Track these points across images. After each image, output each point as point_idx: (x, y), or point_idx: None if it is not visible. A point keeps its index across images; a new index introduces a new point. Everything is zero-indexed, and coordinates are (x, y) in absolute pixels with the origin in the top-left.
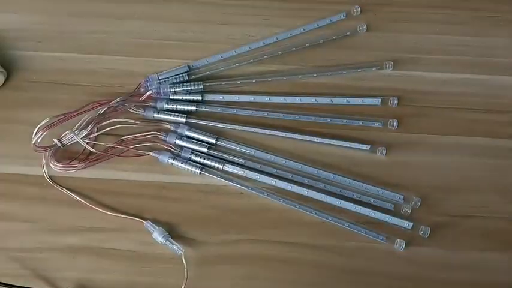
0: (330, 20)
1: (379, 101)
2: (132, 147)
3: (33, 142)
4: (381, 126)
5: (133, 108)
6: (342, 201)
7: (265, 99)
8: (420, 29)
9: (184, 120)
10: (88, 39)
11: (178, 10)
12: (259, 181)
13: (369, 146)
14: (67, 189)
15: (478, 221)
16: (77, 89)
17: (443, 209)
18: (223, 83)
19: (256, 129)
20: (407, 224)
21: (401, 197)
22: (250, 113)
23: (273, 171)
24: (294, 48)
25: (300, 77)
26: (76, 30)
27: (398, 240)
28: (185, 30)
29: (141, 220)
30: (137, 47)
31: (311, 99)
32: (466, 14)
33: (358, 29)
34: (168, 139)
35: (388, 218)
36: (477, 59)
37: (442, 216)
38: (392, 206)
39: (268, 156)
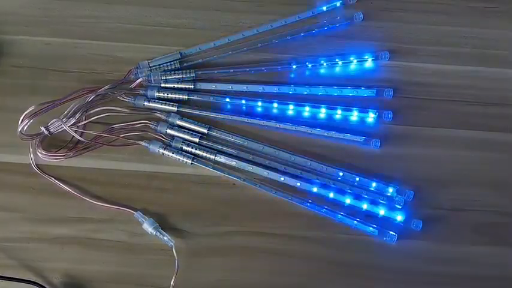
0: (326, 8)
1: (374, 92)
2: (121, 136)
3: (19, 130)
4: (375, 118)
5: (123, 96)
6: (335, 194)
7: (258, 88)
8: (417, 19)
9: (175, 109)
10: (77, 23)
11: None
12: (251, 172)
13: (363, 138)
14: (55, 178)
15: (470, 215)
16: (65, 75)
17: (436, 202)
18: (216, 72)
19: (249, 119)
20: (399, 217)
21: (394, 189)
22: (243, 102)
23: (266, 162)
24: (288, 37)
25: (294, 66)
26: (64, 15)
27: (390, 233)
28: (177, 17)
29: (131, 211)
30: (127, 33)
31: (305, 89)
32: (463, 5)
33: (354, 18)
34: (158, 128)
35: (380, 211)
36: (474, 50)
37: (434, 210)
38: (385, 198)
39: (260, 147)
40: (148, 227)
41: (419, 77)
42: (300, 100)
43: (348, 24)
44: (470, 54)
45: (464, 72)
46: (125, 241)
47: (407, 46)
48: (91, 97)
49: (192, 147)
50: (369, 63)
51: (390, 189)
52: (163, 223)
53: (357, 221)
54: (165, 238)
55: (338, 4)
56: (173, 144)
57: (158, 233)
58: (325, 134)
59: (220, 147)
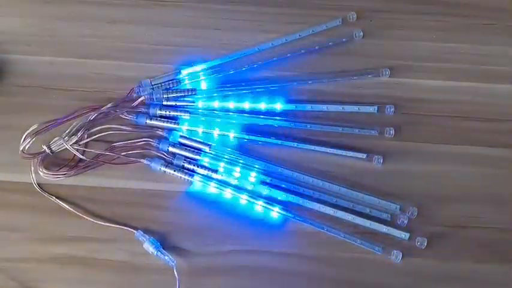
0: (326, 26)
1: (376, 109)
2: (123, 154)
3: (21, 149)
4: (377, 135)
5: (125, 114)
6: (338, 211)
7: (260, 105)
8: (416, 36)
9: (177, 126)
10: (79, 43)
11: (172, 15)
12: (253, 190)
13: (365, 155)
14: (56, 197)
15: (474, 232)
16: (67, 93)
17: (440, 219)
18: (218, 89)
19: (251, 136)
20: (404, 235)
21: (398, 207)
22: (245, 119)
23: (268, 179)
24: (289, 55)
25: (295, 83)
26: (67, 34)
27: (395, 251)
28: (179, 35)
29: (131, 230)
30: (129, 52)
31: (306, 106)
32: (462, 22)
33: (354, 36)
34: (160, 146)
35: (384, 229)
36: (474, 67)
37: (439, 227)
38: (389, 216)
39: (262, 165)
40: (149, 246)
41: (420, 94)
42: (301, 117)
43: (348, 42)
44: (470, 70)
45: (464, 88)
46: (125, 261)
47: (408, 63)
48: (93, 115)
49: (193, 165)
50: (369, 80)
51: (394, 206)
52: (164, 242)
53: (360, 239)
54: (166, 258)
55: (338, 22)
56: (175, 161)
57: (159, 253)
58: (328, 151)
59: (222, 164)
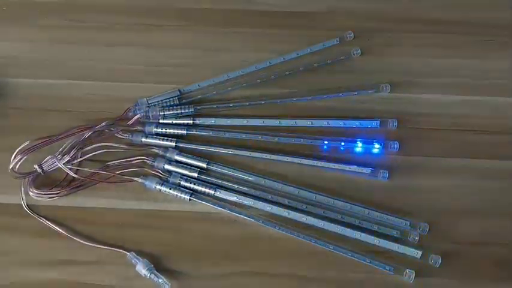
0: (324, 45)
1: (378, 123)
2: (117, 172)
3: (11, 167)
4: (380, 149)
5: (120, 133)
6: (344, 228)
7: (258, 122)
8: (416, 53)
9: (173, 144)
10: (77, 66)
11: (169, 37)
12: (253, 207)
13: (370, 169)
14: (45, 218)
15: (491, 249)
16: (64, 114)
17: (453, 235)
18: (215, 106)
19: (249, 153)
20: (416, 253)
21: (408, 223)
22: (243, 136)
23: (268, 196)
24: (287, 72)
25: (294, 99)
26: (64, 57)
27: (408, 270)
28: (176, 56)
29: (124, 251)
30: (127, 73)
31: (307, 122)
32: (460, 38)
33: (352, 54)
34: (156, 164)
35: (395, 247)
36: (475, 81)
37: (452, 244)
38: (399, 232)
39: (262, 181)
40: (142, 268)
41: (423, 108)
42: (302, 133)
43: (346, 60)
44: (471, 84)
45: (467, 102)
46: (116, 285)
47: (408, 79)
48: (87, 134)
49: (190, 183)
50: (370, 97)
51: (404, 223)
52: (158, 265)
53: (370, 258)
54: (160, 280)
55: (336, 41)
56: (171, 179)
57: (153, 275)
58: (331, 166)
59: (220, 181)
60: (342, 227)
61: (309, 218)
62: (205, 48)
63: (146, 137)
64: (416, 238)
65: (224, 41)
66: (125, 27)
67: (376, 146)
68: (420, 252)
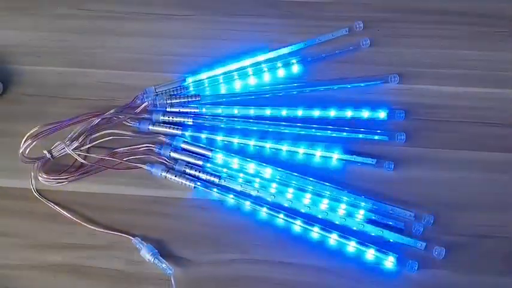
0: (332, 35)
1: (386, 115)
2: (124, 159)
3: (21, 152)
4: (387, 140)
5: (128, 120)
6: (348, 219)
7: (265, 111)
8: (424, 44)
9: (180, 132)
10: (88, 54)
11: (178, 27)
12: (257, 196)
13: (375, 160)
14: (54, 203)
15: (497, 242)
16: (74, 102)
17: (458, 228)
18: (222, 95)
19: (255, 141)
20: (420, 244)
21: (412, 214)
22: (249, 125)
23: (272, 185)
24: (294, 62)
25: (301, 90)
26: (76, 46)
27: (410, 261)
28: (185, 46)
29: (129, 237)
30: (136, 62)
31: (314, 112)
32: (469, 30)
33: (361, 44)
34: (162, 151)
35: (398, 238)
36: (484, 72)
37: (457, 236)
38: (403, 224)
39: (268, 170)
40: (146, 253)
41: (431, 100)
42: (308, 123)
43: (355, 50)
44: (481, 76)
45: (476, 94)
46: (121, 269)
47: (417, 70)
48: (96, 121)
49: (195, 170)
50: (378, 87)
51: (408, 214)
52: (162, 250)
53: (373, 248)
54: (164, 266)
55: (345, 31)
56: (176, 167)
57: (156, 260)
58: (336, 156)
59: (225, 170)
60: (346, 217)
61: (313, 207)
62: (213, 38)
63: (153, 125)
64: (421, 229)
65: (231, 30)
66: (134, 17)
67: (383, 137)
68: (424, 244)
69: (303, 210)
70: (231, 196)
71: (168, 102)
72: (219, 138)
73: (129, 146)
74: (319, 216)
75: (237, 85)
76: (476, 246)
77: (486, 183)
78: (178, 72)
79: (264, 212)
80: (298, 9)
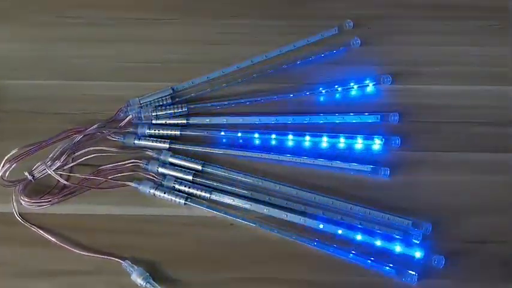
0: (322, 36)
1: (379, 118)
2: (109, 177)
3: (0, 175)
4: (382, 145)
5: (112, 135)
6: (344, 230)
7: (255, 120)
8: (418, 40)
9: (167, 146)
10: (68, 64)
11: (164, 32)
12: (250, 210)
13: (370, 167)
14: (38, 227)
15: (497, 247)
16: (55, 117)
17: (457, 234)
18: (209, 105)
19: (246, 152)
20: (418, 254)
21: (410, 222)
22: (239, 135)
23: (266, 198)
24: (284, 66)
25: (291, 95)
26: (55, 56)
27: (410, 272)
28: (169, 52)
29: (119, 260)
30: (120, 71)
31: (304, 118)
32: (463, 24)
33: (351, 44)
34: (149, 167)
35: (396, 248)
36: (480, 69)
37: (456, 243)
38: (401, 233)
39: (260, 182)
40: (137, 277)
41: (426, 100)
42: (300, 130)
43: (345, 51)
44: (477, 73)
45: (473, 92)
46: None
47: (410, 68)
48: (78, 138)
49: (185, 186)
50: (370, 89)
51: (405, 222)
52: (154, 273)
53: (371, 260)
54: None
55: (334, 31)
56: (165, 183)
57: (148, 285)
58: (329, 165)
59: (216, 184)
60: (343, 229)
61: (307, 219)
62: (200, 42)
63: (139, 139)
64: (419, 239)
65: (219, 33)
66: (116, 23)
67: (377, 141)
68: (423, 253)
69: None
70: (223, 211)
71: (153, 114)
72: (209, 149)
73: (115, 163)
74: (317, 226)
75: (226, 92)
76: (477, 253)
77: (486, 186)
78: (166, 81)
79: (258, 227)
80: (286, 8)
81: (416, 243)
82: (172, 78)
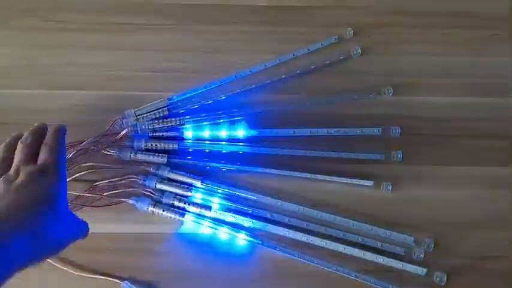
0: (322, 44)
1: (380, 131)
2: (105, 194)
3: None
4: (383, 159)
5: (107, 150)
6: (347, 247)
7: (254, 132)
8: (419, 50)
9: (165, 160)
10: (57, 73)
11: (157, 38)
12: (251, 227)
13: (372, 182)
14: None
15: (500, 262)
16: None
17: (459, 250)
18: (208, 117)
19: (246, 167)
20: (421, 271)
21: (412, 239)
22: (239, 148)
23: (267, 214)
24: (284, 76)
25: (291, 107)
26: (43, 64)
27: None
28: (165, 60)
29: (117, 280)
30: (113, 80)
31: (305, 131)
32: (463, 34)
33: (352, 53)
34: (147, 183)
35: (399, 264)
36: (482, 80)
37: (459, 259)
38: (403, 250)
39: (261, 198)
40: None
41: (428, 112)
42: (300, 143)
43: (346, 60)
44: (479, 84)
45: (474, 104)
46: None
47: (412, 80)
48: (71, 153)
49: (184, 203)
50: (372, 100)
51: (408, 239)
52: None
53: (374, 278)
54: None
55: (334, 40)
56: (163, 200)
57: None
58: (330, 180)
59: (216, 200)
60: (345, 246)
61: (310, 236)
62: (195, 50)
63: (136, 153)
64: (421, 255)
65: (216, 41)
66: (107, 28)
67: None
68: (425, 270)
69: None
70: (224, 227)
71: (150, 127)
72: (208, 164)
73: (110, 179)
74: (317, 243)
75: (225, 103)
76: (479, 268)
77: (487, 201)
78: (162, 91)
79: (260, 244)
80: (285, 15)
81: (419, 260)
82: (168, 87)
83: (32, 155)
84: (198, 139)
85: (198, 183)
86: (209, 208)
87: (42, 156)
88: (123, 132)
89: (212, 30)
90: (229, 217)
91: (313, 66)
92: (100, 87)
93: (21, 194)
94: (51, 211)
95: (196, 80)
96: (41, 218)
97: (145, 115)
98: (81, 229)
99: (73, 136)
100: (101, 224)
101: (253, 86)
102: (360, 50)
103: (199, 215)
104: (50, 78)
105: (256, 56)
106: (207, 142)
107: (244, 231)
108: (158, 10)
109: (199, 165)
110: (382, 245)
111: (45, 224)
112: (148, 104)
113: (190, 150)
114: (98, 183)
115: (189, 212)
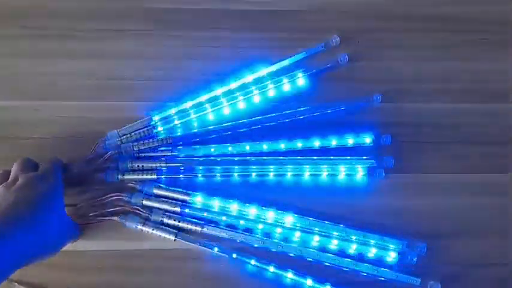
0: (306, 53)
1: (371, 140)
2: (91, 214)
3: None
4: (374, 166)
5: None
6: (341, 259)
7: (244, 147)
8: (408, 55)
9: (155, 177)
10: (36, 82)
11: (141, 45)
12: (244, 242)
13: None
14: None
15: (493, 269)
16: (22, 143)
17: (452, 258)
18: (196, 133)
19: (238, 178)
20: (415, 281)
21: (405, 243)
22: (229, 162)
23: (261, 228)
24: (270, 87)
25: (279, 121)
26: (22, 73)
27: None
28: (148, 68)
29: None
30: (94, 90)
31: (295, 143)
32: (453, 39)
33: (338, 60)
34: (133, 200)
35: (393, 275)
36: (472, 85)
37: (452, 266)
38: (396, 256)
39: (253, 210)
40: None
41: (418, 119)
42: (292, 154)
43: (333, 68)
44: (470, 89)
45: (468, 110)
46: None
47: (400, 86)
48: None
49: (174, 220)
50: (359, 108)
51: (400, 244)
52: None
53: None
54: None
55: (320, 47)
56: (152, 217)
57: None
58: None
59: (207, 215)
60: (339, 258)
61: (304, 250)
62: (184, 57)
63: (123, 174)
64: (414, 259)
65: (199, 47)
66: (88, 35)
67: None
68: (419, 280)
69: (292, 254)
70: (216, 245)
71: (135, 148)
72: (197, 178)
73: (95, 199)
74: (310, 259)
75: (211, 117)
76: (472, 276)
77: (479, 208)
78: (143, 100)
79: (254, 260)
80: (270, 20)
81: (412, 266)
82: (152, 97)
83: (29, 166)
84: (188, 156)
85: (187, 198)
86: (200, 225)
87: (40, 166)
88: (107, 155)
89: (199, 36)
90: (222, 233)
91: (300, 75)
92: (82, 97)
93: (21, 194)
94: (49, 210)
95: (179, 89)
96: (40, 215)
97: (129, 134)
98: (74, 231)
99: (54, 151)
100: (88, 241)
101: (239, 99)
102: (346, 57)
103: (190, 232)
104: (26, 88)
105: (243, 62)
106: (196, 158)
107: (237, 247)
108: (138, 15)
109: (189, 180)
110: (374, 253)
111: (44, 222)
112: (131, 124)
113: (182, 168)
114: (82, 203)
115: (179, 229)
